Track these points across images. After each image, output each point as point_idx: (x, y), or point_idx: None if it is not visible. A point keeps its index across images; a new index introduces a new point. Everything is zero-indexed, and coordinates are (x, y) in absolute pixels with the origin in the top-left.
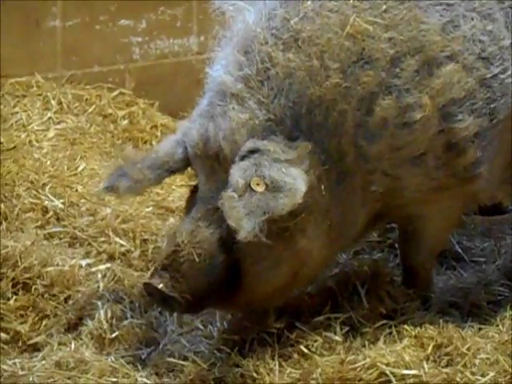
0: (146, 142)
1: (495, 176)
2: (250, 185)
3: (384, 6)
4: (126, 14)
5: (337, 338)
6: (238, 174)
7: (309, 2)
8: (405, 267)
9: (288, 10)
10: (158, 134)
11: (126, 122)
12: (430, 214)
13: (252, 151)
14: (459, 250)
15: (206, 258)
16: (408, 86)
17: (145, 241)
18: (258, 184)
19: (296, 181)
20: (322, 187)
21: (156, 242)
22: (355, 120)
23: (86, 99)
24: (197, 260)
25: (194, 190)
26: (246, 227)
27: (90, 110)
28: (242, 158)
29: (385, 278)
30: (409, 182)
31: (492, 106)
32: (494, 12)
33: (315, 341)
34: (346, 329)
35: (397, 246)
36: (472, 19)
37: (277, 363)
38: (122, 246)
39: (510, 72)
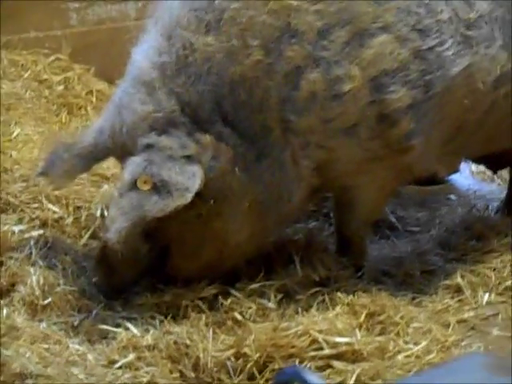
0: (80, 108)
1: (432, 149)
2: (136, 182)
3: None
4: None
5: (270, 304)
6: (127, 169)
7: None
8: (339, 236)
9: None
10: (94, 99)
11: (61, 87)
12: (364, 184)
13: (148, 146)
14: (393, 220)
15: (130, 252)
16: (337, 57)
17: (78, 208)
18: (145, 182)
19: (189, 180)
20: (236, 169)
21: (89, 209)
22: (280, 95)
23: (22, 65)
24: (122, 255)
25: None
26: (114, 227)
27: (26, 76)
28: (138, 154)
29: (319, 246)
30: (342, 153)
31: (427, 78)
32: None
33: (249, 308)
34: (280, 296)
35: (331, 214)
36: None
37: (210, 330)
38: (54, 212)
39: (447, 45)
